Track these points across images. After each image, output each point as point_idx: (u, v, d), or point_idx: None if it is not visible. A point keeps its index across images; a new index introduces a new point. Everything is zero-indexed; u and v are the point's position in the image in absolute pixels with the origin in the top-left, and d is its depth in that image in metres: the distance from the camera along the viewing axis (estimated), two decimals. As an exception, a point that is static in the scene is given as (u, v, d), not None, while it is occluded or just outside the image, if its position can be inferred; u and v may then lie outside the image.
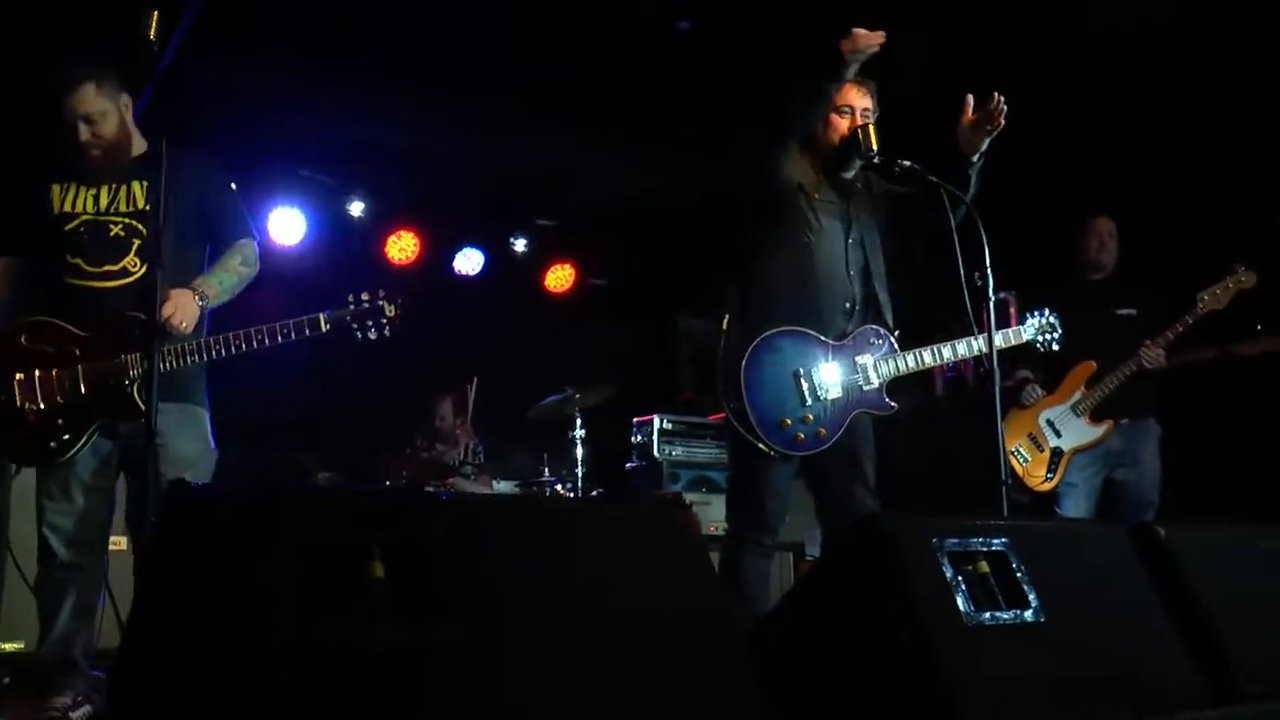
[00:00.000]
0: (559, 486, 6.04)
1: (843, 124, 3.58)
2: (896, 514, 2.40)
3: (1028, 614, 2.15)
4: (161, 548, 1.71)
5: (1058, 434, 4.80)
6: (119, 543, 3.45)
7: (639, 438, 6.48)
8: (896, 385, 3.58)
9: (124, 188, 3.39)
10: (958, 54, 5.03)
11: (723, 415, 3.53)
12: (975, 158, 3.54)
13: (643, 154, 6.53)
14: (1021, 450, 4.83)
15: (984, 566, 2.17)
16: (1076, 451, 4.78)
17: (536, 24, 5.39)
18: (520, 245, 7.97)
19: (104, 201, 3.37)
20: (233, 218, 3.58)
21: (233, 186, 3.63)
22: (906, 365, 3.56)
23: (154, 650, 1.56)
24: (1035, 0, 5.00)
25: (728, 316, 3.57)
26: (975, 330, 3.48)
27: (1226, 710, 2.19)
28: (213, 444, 3.47)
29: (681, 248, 7.22)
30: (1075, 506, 4.77)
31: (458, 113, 6.12)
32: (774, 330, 3.45)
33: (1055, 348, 3.90)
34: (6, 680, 4.13)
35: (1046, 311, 3.90)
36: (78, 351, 3.25)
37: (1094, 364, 4.78)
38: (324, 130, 6.35)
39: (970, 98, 3.51)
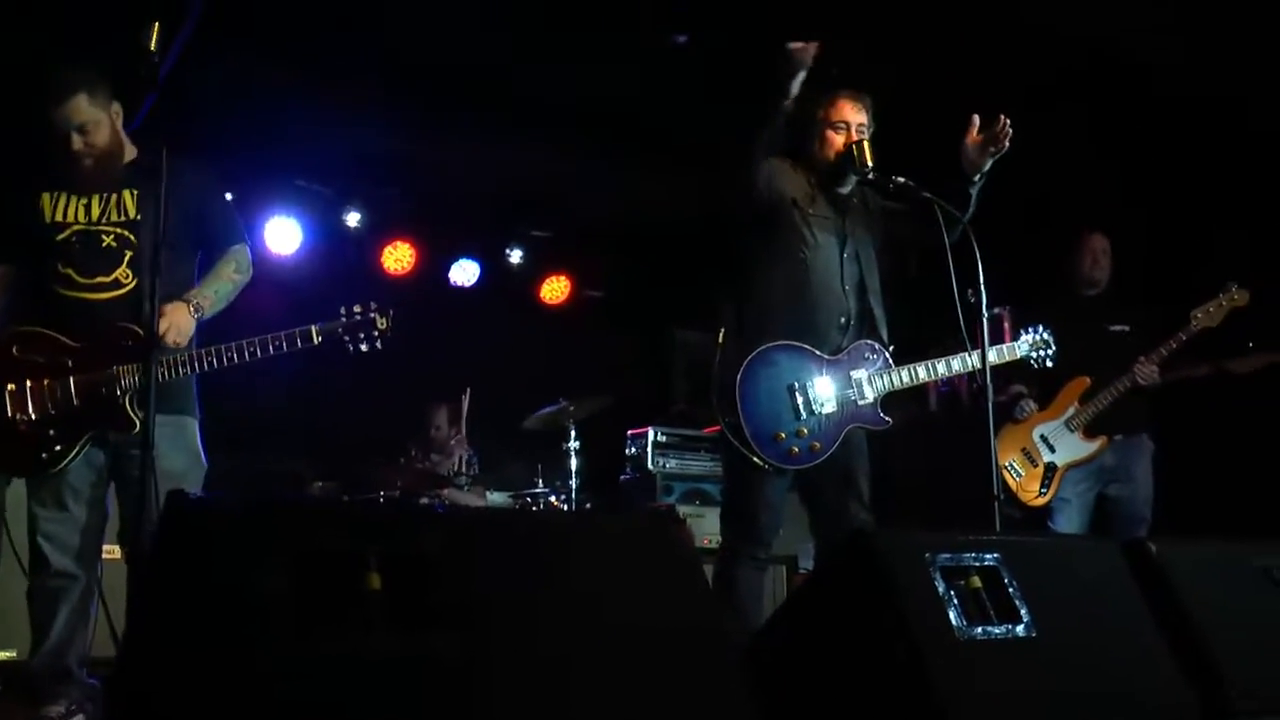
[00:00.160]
0: (553, 498, 6.02)
1: (838, 139, 3.59)
2: (889, 528, 2.41)
3: (1020, 629, 2.15)
4: (158, 558, 1.72)
5: (1051, 449, 4.81)
6: (112, 551, 3.43)
7: (633, 450, 6.46)
8: (891, 400, 3.59)
9: (115, 197, 3.37)
10: (954, 66, 5.06)
11: (717, 428, 3.53)
12: (977, 178, 3.54)
13: (639, 167, 6.54)
14: (1015, 465, 4.83)
15: (976, 581, 2.18)
16: (1070, 467, 4.79)
17: (534, 36, 5.40)
18: (516, 257, 7.96)
19: (95, 211, 3.35)
20: (225, 224, 3.57)
21: (227, 197, 3.61)
22: (901, 380, 3.56)
23: (151, 660, 1.56)
24: (1031, 11, 5.02)
25: (723, 330, 3.58)
26: (969, 346, 3.49)
27: (1218, 726, 2.20)
28: (203, 456, 3.45)
29: (677, 261, 7.21)
30: (1068, 522, 4.77)
31: (454, 124, 6.12)
32: (769, 344, 3.46)
33: (1049, 364, 3.91)
34: (-1, 689, 4.12)
35: (1041, 327, 3.91)
36: (70, 362, 3.24)
37: (1088, 380, 4.79)
38: (321, 141, 6.35)
39: (976, 118, 3.50)
